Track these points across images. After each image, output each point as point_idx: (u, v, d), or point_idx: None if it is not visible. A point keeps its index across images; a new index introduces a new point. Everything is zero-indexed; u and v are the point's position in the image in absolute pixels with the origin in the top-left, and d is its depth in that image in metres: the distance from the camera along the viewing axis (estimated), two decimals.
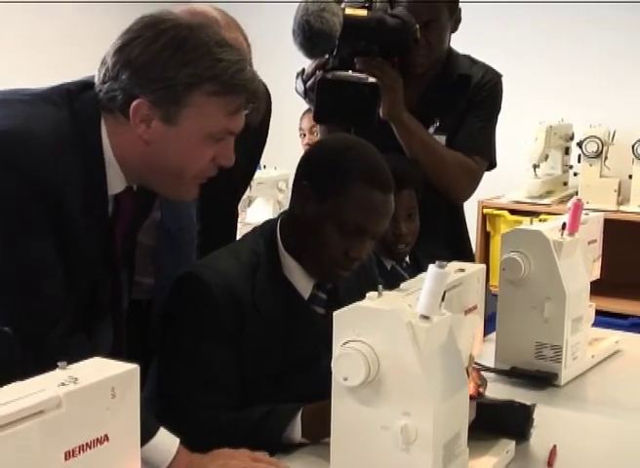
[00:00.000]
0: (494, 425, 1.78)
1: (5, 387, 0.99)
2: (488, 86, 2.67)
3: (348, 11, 2.30)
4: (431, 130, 2.63)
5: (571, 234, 2.27)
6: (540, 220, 2.88)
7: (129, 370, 1.08)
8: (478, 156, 2.67)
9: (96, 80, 1.69)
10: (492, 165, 2.74)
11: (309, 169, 2.01)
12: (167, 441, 1.60)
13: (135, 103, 1.63)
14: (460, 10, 2.65)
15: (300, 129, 4.75)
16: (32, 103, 1.68)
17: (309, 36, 2.19)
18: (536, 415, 1.88)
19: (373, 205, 1.92)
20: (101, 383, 1.04)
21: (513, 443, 1.79)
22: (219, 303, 1.87)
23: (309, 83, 2.40)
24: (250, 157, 2.41)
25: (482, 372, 1.98)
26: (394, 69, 2.48)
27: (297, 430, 1.82)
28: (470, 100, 2.66)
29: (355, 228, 1.91)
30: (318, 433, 1.80)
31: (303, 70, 2.44)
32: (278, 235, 2.02)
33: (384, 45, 2.44)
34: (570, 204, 2.34)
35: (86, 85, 1.73)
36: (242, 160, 2.27)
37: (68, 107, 1.68)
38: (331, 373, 1.52)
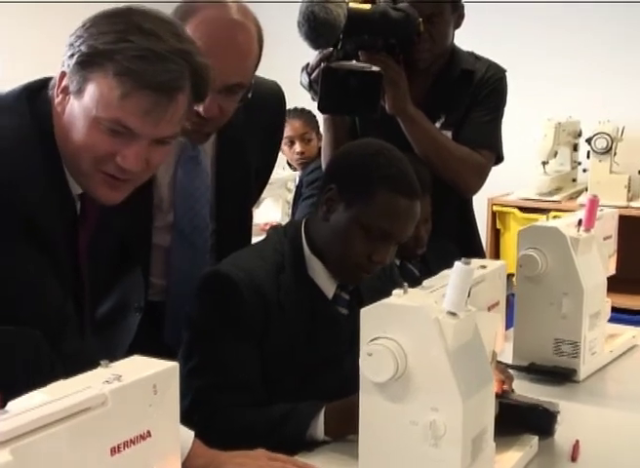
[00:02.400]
0: (516, 425, 1.80)
1: (51, 385, 1.01)
2: (492, 80, 2.68)
3: (352, 5, 2.31)
4: (437, 125, 2.64)
5: (587, 230, 2.29)
6: (553, 217, 2.88)
7: (169, 367, 1.10)
8: (485, 150, 2.67)
9: None
10: (499, 158, 2.74)
11: (337, 173, 2.04)
12: (182, 434, 1.59)
13: (59, 73, 1.60)
14: (462, 6, 2.65)
15: (288, 136, 4.51)
16: None
17: (314, 26, 2.19)
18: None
19: (398, 211, 1.94)
20: (144, 380, 1.06)
21: (536, 438, 1.80)
22: (245, 301, 1.89)
23: (314, 75, 2.39)
24: (263, 156, 2.42)
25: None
26: (398, 63, 2.49)
27: (319, 428, 1.83)
28: (475, 96, 2.66)
29: (380, 233, 1.93)
30: (341, 431, 1.81)
31: (308, 64, 2.44)
32: (303, 236, 2.03)
33: (388, 38, 2.45)
34: (585, 200, 2.36)
35: (44, 82, 1.70)
36: (254, 157, 2.29)
37: (29, 111, 1.65)
38: (353, 372, 1.54)
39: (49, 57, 1.90)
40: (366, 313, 1.49)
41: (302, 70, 2.47)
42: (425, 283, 1.64)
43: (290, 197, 5.02)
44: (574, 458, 1.77)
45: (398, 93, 2.49)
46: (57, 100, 1.61)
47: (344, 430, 1.79)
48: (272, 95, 2.31)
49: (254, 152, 2.24)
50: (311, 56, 2.39)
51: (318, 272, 2.01)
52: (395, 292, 1.51)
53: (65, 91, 1.60)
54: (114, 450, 1.02)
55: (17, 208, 1.57)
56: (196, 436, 1.58)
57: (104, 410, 1.00)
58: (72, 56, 1.58)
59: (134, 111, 1.57)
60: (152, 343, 1.94)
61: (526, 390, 2.05)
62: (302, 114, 4.64)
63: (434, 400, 1.43)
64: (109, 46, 1.55)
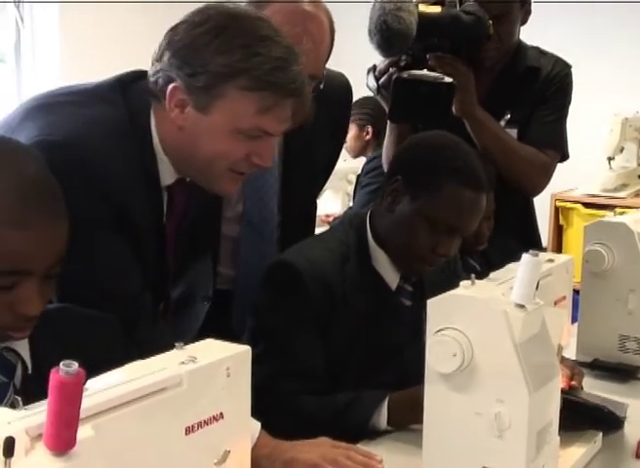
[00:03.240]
0: (581, 423, 1.79)
1: (129, 365, 1.04)
2: (558, 78, 2.66)
3: (422, 8, 2.29)
4: (502, 123, 2.63)
5: None
6: (619, 214, 2.85)
7: (242, 350, 1.13)
8: (551, 149, 2.67)
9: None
10: (564, 156, 2.73)
11: (404, 164, 2.05)
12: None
13: (171, 86, 1.62)
14: (529, 2, 2.62)
15: None
16: (87, 105, 1.68)
17: (387, 36, 2.19)
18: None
19: (464, 204, 1.94)
20: (218, 363, 1.08)
21: (600, 434, 1.80)
22: (310, 292, 1.91)
23: (383, 80, 2.39)
24: (330, 148, 2.44)
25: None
26: (466, 66, 2.48)
27: (382, 417, 1.85)
28: (541, 93, 2.64)
29: (445, 226, 1.94)
30: (404, 421, 1.83)
31: (375, 66, 2.43)
32: (368, 227, 2.04)
33: (458, 42, 2.44)
34: None
35: (137, 75, 1.73)
36: (322, 150, 2.31)
37: (123, 102, 1.68)
38: (414, 364, 1.55)
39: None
40: (433, 304, 1.49)
41: (369, 72, 2.47)
42: (492, 275, 1.64)
43: (350, 189, 5.03)
44: (638, 455, 1.76)
45: (466, 96, 2.48)
46: (172, 114, 1.63)
47: (408, 420, 1.81)
48: (341, 87, 2.33)
49: (322, 143, 2.26)
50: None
51: (382, 263, 2.02)
52: (463, 283, 1.51)
53: (182, 105, 1.63)
54: (189, 430, 1.04)
55: (108, 194, 1.62)
56: (259, 422, 1.60)
57: (180, 391, 1.03)
58: (194, 75, 1.59)
59: (274, 119, 1.63)
60: (220, 331, 1.99)
61: (589, 386, 2.04)
62: None
63: (500, 392, 1.43)
64: (242, 64, 1.58)
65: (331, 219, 4.54)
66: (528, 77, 2.65)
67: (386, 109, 2.43)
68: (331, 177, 4.58)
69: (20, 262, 1.27)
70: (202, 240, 2.07)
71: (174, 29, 1.64)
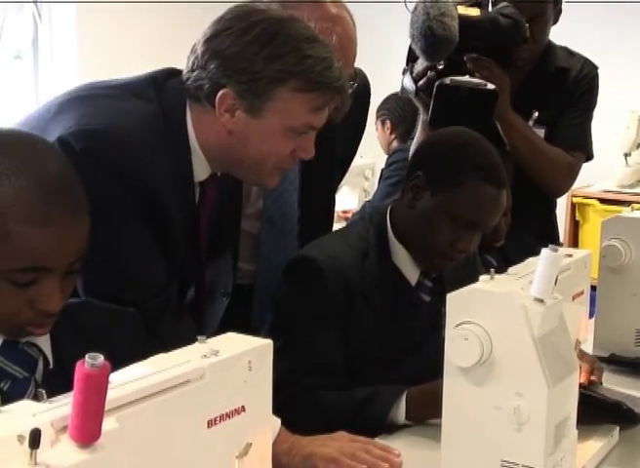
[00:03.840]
0: (599, 418, 1.79)
1: (152, 358, 1.04)
2: (586, 80, 2.67)
3: (461, 10, 2.28)
4: (530, 122, 2.63)
5: None
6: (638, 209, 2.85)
7: (264, 344, 1.13)
8: (577, 151, 2.68)
9: (184, 67, 1.72)
10: (588, 157, 2.74)
11: (425, 160, 2.06)
12: None
13: (221, 93, 1.66)
14: (561, 1, 2.62)
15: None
16: (122, 98, 1.71)
17: (431, 42, 2.19)
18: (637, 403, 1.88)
19: (485, 200, 1.95)
20: (240, 356, 1.09)
21: (617, 428, 1.80)
22: (330, 287, 1.92)
23: (421, 83, 2.38)
24: (348, 144, 2.44)
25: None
26: (501, 69, 2.47)
27: (401, 411, 1.85)
28: (569, 94, 2.65)
29: (466, 222, 1.95)
30: (423, 415, 1.83)
31: (411, 67, 2.42)
32: (388, 222, 2.05)
33: (495, 45, 2.43)
34: None
35: (169, 73, 1.77)
36: (340, 144, 2.31)
37: (157, 98, 1.71)
38: (433, 359, 1.55)
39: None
40: (452, 298, 1.50)
41: (404, 73, 2.46)
42: (511, 270, 1.64)
43: (367, 185, 5.04)
44: None
45: (501, 99, 2.46)
46: (223, 119, 1.68)
47: (426, 414, 1.81)
48: (361, 84, 2.33)
49: (341, 140, 2.26)
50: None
51: (402, 258, 2.03)
52: (482, 277, 1.52)
53: (232, 110, 1.67)
54: (210, 423, 1.04)
55: (140, 184, 1.64)
56: (278, 417, 1.60)
57: (202, 384, 1.03)
58: (247, 82, 1.65)
59: (322, 115, 1.71)
60: (238, 327, 2.00)
61: (606, 381, 2.03)
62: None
63: (519, 385, 1.44)
64: (295, 68, 1.64)
65: (349, 216, 4.55)
66: (557, 78, 2.65)
67: (420, 110, 2.44)
68: (348, 174, 4.59)
69: (42, 260, 1.28)
70: (223, 236, 2.08)
71: (215, 37, 1.67)
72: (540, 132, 2.63)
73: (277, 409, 1.62)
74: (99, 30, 4.92)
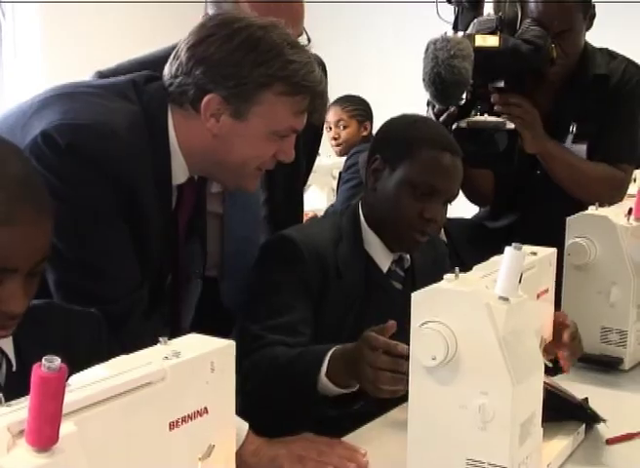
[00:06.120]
0: (562, 416, 1.80)
1: (113, 360, 1.03)
2: (629, 86, 2.56)
3: (479, 41, 2.26)
4: (569, 139, 2.56)
5: (637, 219, 2.27)
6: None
7: (226, 345, 1.12)
8: (624, 163, 2.60)
9: (165, 73, 1.75)
10: (639, 165, 2.70)
11: (380, 143, 2.12)
12: (237, 424, 1.62)
13: (207, 98, 1.69)
14: (593, 6, 2.51)
15: (327, 122, 4.69)
16: (106, 97, 1.73)
17: (441, 89, 2.20)
18: (602, 400, 1.89)
19: (441, 164, 2.01)
20: (202, 357, 1.08)
21: (583, 425, 1.81)
22: (307, 262, 1.97)
23: (443, 118, 2.39)
24: (310, 134, 2.43)
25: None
26: (531, 104, 2.43)
27: (323, 368, 1.79)
28: (611, 103, 2.55)
29: (427, 188, 2.00)
30: (342, 374, 1.77)
31: (433, 103, 2.40)
32: (360, 211, 2.11)
33: (518, 74, 2.40)
34: (636, 190, 2.34)
35: (149, 77, 1.79)
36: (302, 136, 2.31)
37: (138, 101, 1.74)
38: (406, 344, 1.55)
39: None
40: (417, 297, 1.50)
41: (428, 105, 2.46)
42: (476, 268, 1.65)
43: (335, 184, 5.05)
44: (610, 442, 1.78)
45: (535, 134, 2.45)
46: (208, 124, 1.71)
47: (345, 374, 1.76)
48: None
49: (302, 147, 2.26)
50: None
51: (374, 245, 2.09)
52: (446, 276, 1.52)
53: (217, 114, 1.71)
54: (173, 425, 1.03)
55: (122, 183, 1.65)
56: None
57: (164, 386, 1.02)
58: (233, 87, 1.68)
59: (304, 117, 1.76)
60: (214, 309, 2.10)
61: (572, 378, 2.05)
62: (340, 101, 4.74)
63: (484, 384, 1.44)
64: (280, 72, 1.69)
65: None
66: (596, 86, 2.54)
67: None
68: (315, 174, 4.61)
69: (5, 259, 1.26)
70: (191, 221, 2.09)
71: (200, 44, 1.70)
72: (582, 148, 2.55)
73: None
74: (62, 28, 4.90)
